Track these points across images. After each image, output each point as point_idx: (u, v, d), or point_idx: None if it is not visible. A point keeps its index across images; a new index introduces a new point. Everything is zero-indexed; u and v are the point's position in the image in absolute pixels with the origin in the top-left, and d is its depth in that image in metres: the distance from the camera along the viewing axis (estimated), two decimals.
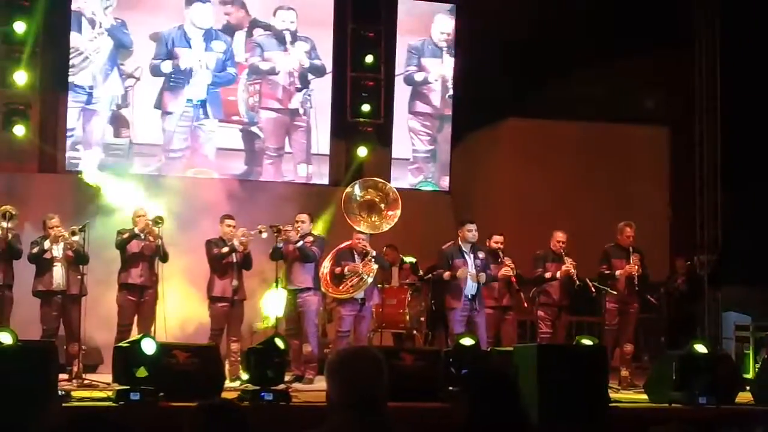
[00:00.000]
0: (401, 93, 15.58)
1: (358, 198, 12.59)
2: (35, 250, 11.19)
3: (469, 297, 11.81)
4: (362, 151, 14.87)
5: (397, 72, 15.51)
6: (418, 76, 15.69)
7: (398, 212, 12.57)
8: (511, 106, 15.53)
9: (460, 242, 11.95)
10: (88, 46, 14.22)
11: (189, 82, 14.59)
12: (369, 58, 14.87)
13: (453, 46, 15.66)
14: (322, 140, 15.24)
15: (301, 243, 11.78)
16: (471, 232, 11.92)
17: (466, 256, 11.88)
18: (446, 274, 11.84)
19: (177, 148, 14.55)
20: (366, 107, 14.88)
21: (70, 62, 14.16)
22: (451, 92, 15.70)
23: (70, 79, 14.20)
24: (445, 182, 15.89)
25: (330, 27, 15.27)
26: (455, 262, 11.85)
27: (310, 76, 15.17)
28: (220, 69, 14.74)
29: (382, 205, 12.67)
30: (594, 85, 15.35)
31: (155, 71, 14.51)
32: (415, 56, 15.66)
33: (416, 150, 15.69)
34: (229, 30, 14.91)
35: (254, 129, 14.94)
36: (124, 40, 14.39)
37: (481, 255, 11.95)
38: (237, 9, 14.95)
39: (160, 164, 14.47)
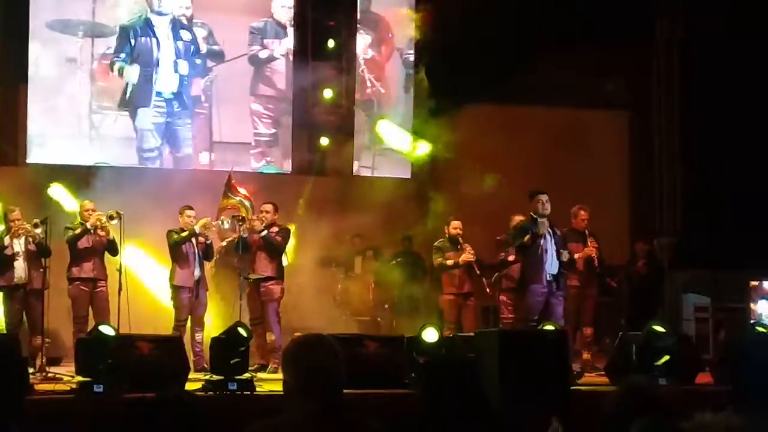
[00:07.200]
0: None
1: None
2: None
3: (549, 278, 11.33)
4: None
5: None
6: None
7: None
8: (472, 93, 15.51)
9: (534, 215, 11.39)
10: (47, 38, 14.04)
11: (157, 72, 14.41)
12: None
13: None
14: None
15: (265, 232, 11.83)
16: (541, 203, 11.42)
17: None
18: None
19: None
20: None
21: (31, 54, 13.96)
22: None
23: (31, 72, 14.00)
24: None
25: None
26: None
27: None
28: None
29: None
30: (554, 73, 15.35)
31: (119, 63, 14.33)
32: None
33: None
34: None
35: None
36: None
37: (558, 231, 11.52)
38: None
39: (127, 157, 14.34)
